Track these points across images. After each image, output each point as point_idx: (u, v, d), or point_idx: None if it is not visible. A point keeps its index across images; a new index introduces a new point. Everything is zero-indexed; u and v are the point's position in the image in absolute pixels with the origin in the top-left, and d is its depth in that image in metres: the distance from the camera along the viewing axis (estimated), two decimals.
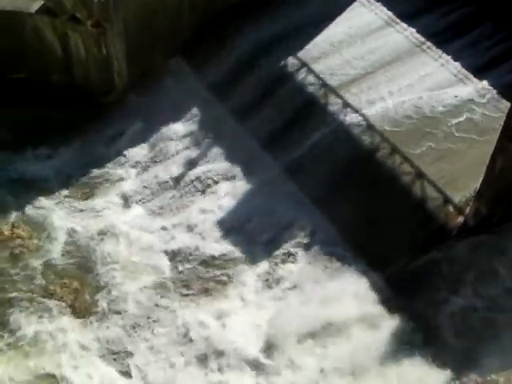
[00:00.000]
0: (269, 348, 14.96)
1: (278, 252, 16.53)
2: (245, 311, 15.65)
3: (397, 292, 15.35)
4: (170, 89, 19.92)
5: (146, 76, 19.92)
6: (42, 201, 18.16)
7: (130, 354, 15.22)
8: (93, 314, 15.92)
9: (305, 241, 16.61)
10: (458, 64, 18.56)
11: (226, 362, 14.83)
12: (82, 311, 15.97)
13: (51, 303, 16.16)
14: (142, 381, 14.82)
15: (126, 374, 14.98)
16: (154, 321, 15.68)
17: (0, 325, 15.79)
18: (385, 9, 20.33)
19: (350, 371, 14.39)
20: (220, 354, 14.95)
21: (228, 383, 14.57)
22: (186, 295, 16.04)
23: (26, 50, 19.66)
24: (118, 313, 15.88)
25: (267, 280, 16.14)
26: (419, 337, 14.58)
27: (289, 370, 14.63)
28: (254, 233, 16.85)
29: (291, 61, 19.50)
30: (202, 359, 14.96)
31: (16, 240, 17.45)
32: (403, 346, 14.49)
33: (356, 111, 18.05)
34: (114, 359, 15.17)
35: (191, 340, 15.24)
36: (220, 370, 14.77)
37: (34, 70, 19.76)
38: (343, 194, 16.85)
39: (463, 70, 18.39)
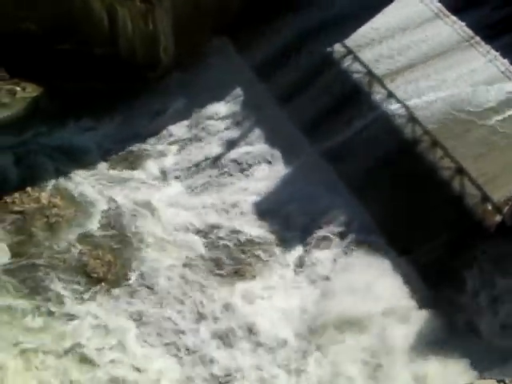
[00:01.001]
0: (296, 333, 14.93)
1: (313, 237, 16.49)
2: (275, 295, 15.63)
3: (430, 284, 15.27)
4: (215, 68, 19.92)
5: (192, 53, 19.90)
6: (82, 172, 18.35)
7: (157, 329, 15.27)
8: (124, 287, 16.00)
9: (340, 228, 16.57)
10: (505, 61, 18.31)
11: (254, 343, 14.81)
12: (113, 284, 16.06)
13: (83, 274, 16.30)
14: (167, 357, 14.83)
15: (153, 347, 14.99)
16: (184, 298, 15.70)
17: (34, 293, 15.97)
18: (435, 0, 20.11)
19: (376, 364, 14.28)
20: (247, 335, 14.93)
21: (257, 364, 14.54)
22: (218, 275, 16.08)
23: (73, 22, 19.81)
24: (149, 288, 15.95)
25: (300, 265, 16.13)
26: (451, 331, 14.42)
27: (315, 357, 14.55)
28: (290, 217, 16.83)
29: (337, 48, 19.39)
30: (230, 339, 14.95)
31: (53, 209, 17.63)
32: (434, 340, 14.34)
33: (399, 102, 17.91)
34: (142, 333, 15.21)
35: (219, 319, 15.26)
36: (248, 351, 14.74)
37: (80, 42, 19.92)
38: (381, 184, 16.76)
39: (511, 67, 18.19)
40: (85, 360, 14.75)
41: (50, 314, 15.51)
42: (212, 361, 14.64)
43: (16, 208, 17.67)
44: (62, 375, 14.49)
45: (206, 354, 14.74)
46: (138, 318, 15.43)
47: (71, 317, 15.45)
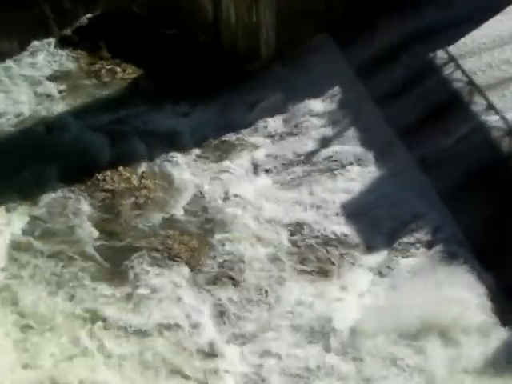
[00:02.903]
0: (372, 336, 14.73)
1: (399, 244, 16.25)
2: (354, 296, 15.49)
3: None
4: (314, 64, 19.83)
5: (292, 48, 19.89)
6: (174, 156, 18.54)
7: (234, 318, 15.32)
8: (206, 274, 16.12)
9: (427, 237, 16.28)
10: None
11: (328, 341, 14.69)
12: (195, 270, 16.19)
13: (167, 257, 16.49)
14: (236, 346, 14.90)
15: (228, 335, 15.09)
16: (265, 291, 15.70)
17: (115, 270, 16.31)
18: None
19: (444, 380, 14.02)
20: (322, 332, 14.83)
21: (328, 362, 14.46)
22: (301, 271, 16.01)
23: (180, 8, 20.06)
24: (231, 277, 16.02)
25: (382, 270, 15.92)
26: None
27: (383, 364, 14.38)
28: (377, 221, 16.63)
29: (440, 54, 19.08)
30: (304, 335, 14.87)
31: (142, 190, 17.88)
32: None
33: (498, 114, 17.48)
34: (220, 321, 15.28)
35: (296, 314, 15.19)
36: (321, 349, 14.64)
37: (185, 28, 20.16)
38: (474, 196, 16.39)
39: None
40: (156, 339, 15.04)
41: (128, 294, 15.77)
42: (284, 355, 14.58)
43: (107, 186, 18.01)
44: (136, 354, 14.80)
45: (279, 348, 14.71)
46: (217, 306, 15.50)
47: (149, 298, 15.64)
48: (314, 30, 20.19)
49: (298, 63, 19.90)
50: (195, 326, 15.18)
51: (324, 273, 15.99)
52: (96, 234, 17.05)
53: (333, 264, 16.12)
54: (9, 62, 21.81)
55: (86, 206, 17.50)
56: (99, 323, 15.25)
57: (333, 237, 16.49)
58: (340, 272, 15.97)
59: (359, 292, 15.56)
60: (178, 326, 15.16)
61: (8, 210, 17.57)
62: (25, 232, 17.08)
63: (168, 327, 15.16)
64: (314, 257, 16.26)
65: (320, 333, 14.86)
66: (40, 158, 18.66)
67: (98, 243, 16.89)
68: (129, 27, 21.54)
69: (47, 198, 17.73)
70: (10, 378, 14.40)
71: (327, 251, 16.29)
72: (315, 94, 19.27)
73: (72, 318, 15.39)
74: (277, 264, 16.17)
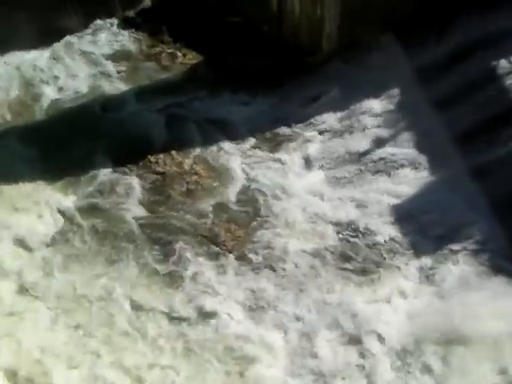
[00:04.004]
0: (411, 344, 14.65)
1: (445, 251, 16.02)
2: (398, 300, 15.36)
3: None
4: (376, 63, 19.55)
5: (355, 45, 19.62)
6: (228, 144, 18.57)
7: (270, 309, 15.42)
8: (249, 264, 16.19)
9: (475, 246, 16.04)
10: None
11: (366, 348, 14.66)
12: (239, 259, 16.26)
13: (212, 244, 16.60)
14: (280, 346, 14.91)
15: (265, 326, 15.15)
16: (305, 286, 15.72)
17: (160, 252, 16.49)
18: None
19: None
20: (362, 338, 14.79)
21: (367, 365, 14.43)
22: (344, 270, 15.93)
23: None
24: (273, 269, 16.05)
25: (427, 275, 15.74)
26: None
27: (421, 374, 14.29)
28: (425, 226, 16.42)
29: (503, 63, 18.72)
30: (343, 339, 14.86)
31: (193, 176, 17.96)
32: None
33: None
34: (258, 311, 15.39)
35: (336, 314, 15.16)
36: (359, 351, 14.63)
37: (248, 17, 20.12)
38: None
39: None
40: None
41: (170, 277, 16.00)
42: (318, 355, 14.66)
43: (158, 169, 18.12)
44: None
45: (314, 347, 14.76)
46: (256, 297, 15.60)
47: (190, 283, 15.85)
48: (378, 28, 19.88)
49: (359, 61, 19.67)
50: (232, 314, 15.32)
51: (367, 273, 15.87)
52: (144, 214, 17.21)
53: (377, 265, 16.00)
54: (70, 38, 22.04)
55: (136, 187, 17.66)
56: (137, 305, 15.57)
57: (379, 238, 16.36)
58: (384, 274, 15.84)
59: (402, 296, 15.42)
60: (215, 312, 15.34)
61: (60, 186, 17.87)
62: (74, 208, 17.33)
63: (206, 313, 15.33)
64: (359, 256, 16.15)
65: (358, 335, 14.80)
66: (94, 136, 18.86)
67: (145, 224, 17.03)
68: (192, 12, 21.58)
69: (99, 175, 17.91)
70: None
71: (372, 252, 16.17)
72: (374, 94, 19.05)
73: (109, 300, 15.66)
74: (320, 260, 16.10)
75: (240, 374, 14.55)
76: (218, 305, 15.47)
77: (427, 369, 14.28)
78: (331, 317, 15.16)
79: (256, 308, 15.45)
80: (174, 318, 15.34)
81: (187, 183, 17.80)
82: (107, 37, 21.94)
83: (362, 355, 14.56)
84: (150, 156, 18.32)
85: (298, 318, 15.22)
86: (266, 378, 14.46)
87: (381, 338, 14.73)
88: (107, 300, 15.65)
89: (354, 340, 14.77)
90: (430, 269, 15.82)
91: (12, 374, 14.46)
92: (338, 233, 16.58)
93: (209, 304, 15.48)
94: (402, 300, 15.42)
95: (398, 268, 15.93)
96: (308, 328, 15.05)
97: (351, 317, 15.08)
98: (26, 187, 17.85)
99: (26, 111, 20.09)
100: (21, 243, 16.72)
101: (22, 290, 15.97)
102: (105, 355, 14.86)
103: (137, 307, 15.51)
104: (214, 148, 18.49)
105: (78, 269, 16.24)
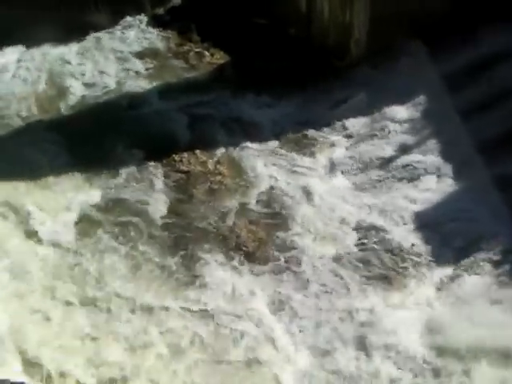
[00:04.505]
0: (430, 351, 14.48)
1: (467, 261, 15.89)
2: (418, 309, 15.24)
3: None
4: (403, 70, 19.53)
5: (383, 52, 19.57)
6: (251, 145, 18.64)
7: (293, 314, 15.29)
8: (269, 266, 16.15)
9: (497, 257, 15.87)
10: None
11: (387, 350, 14.52)
12: (260, 261, 16.24)
13: (233, 245, 16.60)
14: (296, 348, 14.80)
15: (285, 329, 15.06)
16: (326, 290, 15.65)
17: (179, 252, 16.49)
18: None
19: None
20: (381, 341, 14.66)
21: (384, 375, 14.33)
22: (364, 276, 15.87)
23: None
24: (294, 272, 15.99)
25: (448, 284, 15.62)
26: None
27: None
28: (448, 235, 16.30)
29: None
30: (363, 341, 14.73)
31: (217, 176, 18.02)
32: None
33: None
34: (278, 314, 15.30)
35: (356, 321, 15.08)
36: (378, 357, 14.47)
37: (276, 19, 20.15)
38: None
39: None
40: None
41: (189, 275, 15.97)
42: (336, 360, 14.54)
43: (182, 167, 18.21)
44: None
45: (335, 351, 14.62)
46: (276, 299, 15.52)
47: (209, 283, 15.80)
48: (407, 35, 19.83)
49: (386, 67, 19.63)
50: (252, 314, 15.24)
51: (387, 280, 15.81)
52: (166, 212, 17.28)
53: (397, 272, 15.91)
54: (99, 34, 22.22)
55: (160, 185, 17.77)
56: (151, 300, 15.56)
57: (401, 245, 16.26)
58: (404, 282, 15.75)
59: (422, 304, 15.31)
60: (236, 314, 15.26)
61: (83, 180, 18.01)
62: (98, 202, 17.45)
63: (225, 313, 15.27)
64: (380, 263, 16.10)
65: (377, 342, 14.69)
66: (119, 132, 19.03)
67: (167, 222, 17.12)
68: (220, 13, 21.68)
69: (123, 171, 18.07)
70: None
71: (393, 259, 16.09)
72: (400, 100, 19.01)
73: (123, 298, 15.65)
74: (341, 265, 16.07)
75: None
76: (237, 305, 15.42)
77: (448, 380, 14.15)
78: (350, 322, 15.08)
79: (275, 310, 15.36)
80: (191, 316, 15.29)
81: (211, 183, 17.86)
82: (136, 34, 22.12)
83: (382, 362, 14.42)
84: (174, 154, 18.41)
85: (317, 323, 15.13)
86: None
87: (400, 346, 14.57)
88: (122, 298, 15.66)
89: (373, 346, 14.64)
90: (452, 278, 15.70)
91: None
92: (359, 238, 16.54)
93: (227, 304, 15.44)
94: (422, 308, 15.29)
95: (420, 276, 15.82)
96: (327, 332, 14.96)
97: (370, 323, 15.00)
98: (49, 179, 18.01)
99: (52, 105, 20.31)
100: (41, 235, 16.82)
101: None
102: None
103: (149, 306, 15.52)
104: (238, 149, 18.57)
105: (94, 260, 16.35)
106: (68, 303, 15.48)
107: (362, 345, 14.71)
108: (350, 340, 14.80)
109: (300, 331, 15.00)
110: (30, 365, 14.29)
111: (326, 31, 19.97)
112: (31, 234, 16.83)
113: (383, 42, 19.64)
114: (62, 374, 14.24)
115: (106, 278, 15.86)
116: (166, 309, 15.36)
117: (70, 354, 14.60)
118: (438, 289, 15.60)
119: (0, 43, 21.55)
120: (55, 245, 16.61)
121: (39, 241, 16.71)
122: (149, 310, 15.34)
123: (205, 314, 15.27)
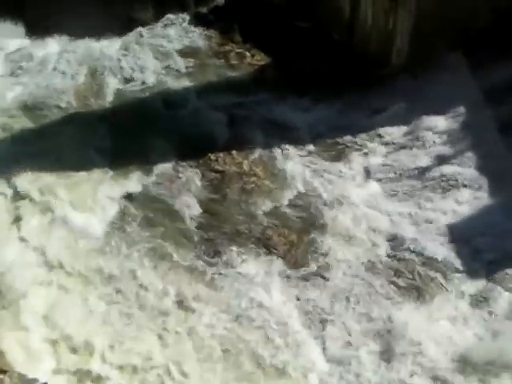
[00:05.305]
0: (458, 366, 14.38)
1: (498, 275, 15.76)
2: (446, 322, 15.15)
3: None
4: (444, 81, 19.36)
5: (424, 62, 19.49)
6: (288, 149, 18.64)
7: (320, 319, 15.29)
8: (299, 270, 16.13)
9: None
10: None
11: (413, 366, 14.42)
12: (290, 265, 16.24)
13: (264, 247, 16.61)
14: (322, 354, 14.78)
15: (312, 334, 15.06)
16: (354, 298, 15.60)
17: (210, 251, 16.55)
18: None
19: None
20: (409, 352, 14.56)
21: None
22: (394, 285, 15.79)
23: (318, 3, 20.04)
24: (323, 277, 15.99)
25: (479, 299, 15.48)
26: None
27: None
28: (480, 248, 16.19)
29: None
30: (388, 354, 14.65)
31: (252, 177, 18.05)
32: None
33: None
34: (306, 318, 15.28)
35: (384, 331, 15.00)
36: (405, 372, 14.37)
37: (319, 24, 20.13)
38: None
39: None
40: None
41: (218, 276, 16.02)
42: (364, 369, 14.46)
43: (218, 167, 18.25)
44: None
45: (360, 359, 14.58)
46: (304, 303, 15.52)
47: (239, 284, 15.84)
48: (448, 46, 19.72)
49: (426, 77, 19.52)
50: (279, 318, 15.21)
51: (417, 291, 15.70)
52: (200, 211, 17.34)
53: (427, 284, 15.80)
54: (141, 30, 22.35)
55: (194, 183, 17.83)
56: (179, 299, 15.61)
57: (432, 256, 16.16)
58: (434, 293, 15.65)
59: (452, 318, 15.20)
60: (264, 317, 15.24)
61: (119, 175, 18.12)
62: (132, 197, 17.59)
63: (253, 316, 15.27)
64: (410, 273, 15.99)
65: (404, 353, 14.59)
66: (157, 129, 19.13)
67: (200, 221, 17.17)
68: (263, 14, 21.70)
69: (159, 169, 18.17)
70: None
71: (424, 270, 15.98)
72: (439, 111, 18.92)
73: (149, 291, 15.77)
74: (371, 273, 16.04)
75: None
76: (265, 309, 15.42)
77: None
78: (377, 331, 15.03)
79: (303, 314, 15.36)
80: (218, 318, 15.30)
81: (245, 184, 17.89)
82: (178, 32, 22.21)
83: (407, 374, 14.34)
84: (210, 153, 18.47)
85: (344, 329, 15.09)
86: None
87: (427, 360, 14.49)
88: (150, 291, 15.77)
89: (398, 357, 14.57)
90: (482, 292, 15.58)
91: None
92: (391, 247, 16.47)
93: (255, 307, 15.44)
94: (451, 322, 15.21)
95: (450, 289, 15.71)
96: (353, 339, 14.92)
97: (397, 333, 14.92)
98: (85, 173, 18.13)
99: (91, 98, 20.43)
100: (78, 229, 16.93)
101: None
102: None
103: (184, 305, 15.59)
104: (274, 151, 18.59)
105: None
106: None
107: (389, 355, 14.64)
108: (377, 349, 14.76)
109: (327, 338, 14.96)
110: None
111: (368, 38, 19.91)
112: (64, 225, 16.94)
113: (424, 53, 19.55)
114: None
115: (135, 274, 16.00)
116: (193, 311, 15.43)
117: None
118: (469, 303, 15.47)
119: (43, 35, 21.77)
120: (87, 236, 16.73)
121: (71, 232, 16.81)
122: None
123: (232, 318, 15.29)
